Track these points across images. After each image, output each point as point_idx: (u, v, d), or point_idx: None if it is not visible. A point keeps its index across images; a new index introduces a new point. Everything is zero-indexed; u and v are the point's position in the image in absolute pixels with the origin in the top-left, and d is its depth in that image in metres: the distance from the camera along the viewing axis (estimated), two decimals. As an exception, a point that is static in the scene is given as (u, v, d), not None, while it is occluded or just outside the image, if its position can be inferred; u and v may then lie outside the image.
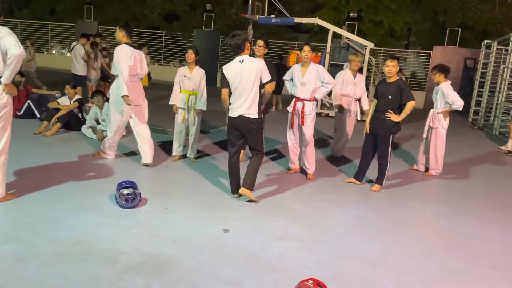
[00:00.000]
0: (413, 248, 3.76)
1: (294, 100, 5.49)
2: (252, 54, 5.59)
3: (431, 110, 6.20)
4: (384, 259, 3.48)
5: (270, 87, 4.56)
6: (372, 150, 5.27)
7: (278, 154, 6.70)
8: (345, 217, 4.38)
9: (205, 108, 5.89)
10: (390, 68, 4.94)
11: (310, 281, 2.56)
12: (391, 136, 5.13)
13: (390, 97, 5.00)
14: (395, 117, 5.01)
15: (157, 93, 13.53)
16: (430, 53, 16.82)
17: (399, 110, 5.06)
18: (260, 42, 5.48)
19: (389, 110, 4.99)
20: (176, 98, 5.82)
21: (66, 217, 3.75)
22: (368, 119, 5.28)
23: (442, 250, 3.74)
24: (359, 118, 6.59)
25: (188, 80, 5.75)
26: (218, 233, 3.70)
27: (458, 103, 5.94)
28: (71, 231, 3.48)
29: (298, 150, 5.63)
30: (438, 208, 4.86)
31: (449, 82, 6.01)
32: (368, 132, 5.21)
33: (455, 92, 5.98)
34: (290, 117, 5.53)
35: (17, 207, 3.86)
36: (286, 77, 5.62)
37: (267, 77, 4.38)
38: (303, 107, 5.37)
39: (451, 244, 3.89)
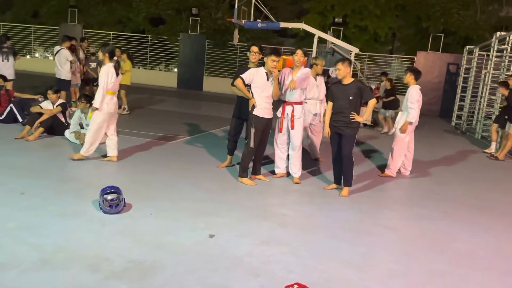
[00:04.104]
0: (398, 252, 3.79)
1: (282, 104, 5.48)
2: (247, 61, 5.60)
3: (399, 113, 6.31)
4: (369, 263, 3.50)
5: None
6: (340, 150, 5.28)
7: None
8: (331, 221, 4.39)
9: None
10: (339, 72, 5.03)
11: (296, 286, 2.56)
12: (356, 135, 5.22)
13: (351, 98, 5.05)
14: (360, 118, 5.10)
15: (145, 97, 13.45)
16: (414, 58, 17.08)
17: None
18: (255, 48, 5.47)
19: (352, 112, 5.04)
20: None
21: (49, 224, 3.68)
22: (327, 121, 5.23)
23: (426, 253, 3.78)
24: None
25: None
26: (203, 238, 3.67)
27: (413, 113, 5.95)
28: (53, 238, 3.42)
29: (284, 155, 5.64)
30: (421, 211, 4.91)
31: (418, 86, 6.05)
32: (330, 134, 5.22)
33: (418, 101, 5.96)
34: (278, 121, 5.53)
35: (-2, 214, 3.78)
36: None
37: None
38: (292, 111, 5.38)
39: (435, 247, 3.93)
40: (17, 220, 3.67)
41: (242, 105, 5.54)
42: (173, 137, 7.69)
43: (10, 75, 8.61)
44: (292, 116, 5.37)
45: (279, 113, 5.50)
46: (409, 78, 6.08)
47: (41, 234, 3.47)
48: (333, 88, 5.25)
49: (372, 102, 5.15)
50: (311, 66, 5.26)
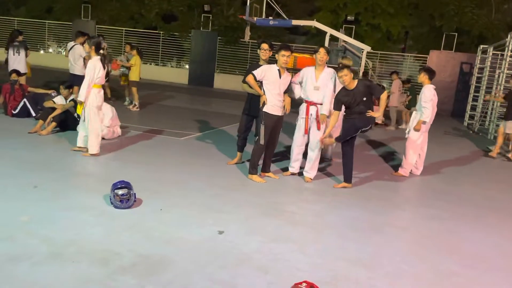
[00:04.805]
0: (407, 251, 3.77)
1: (306, 105, 5.37)
2: (258, 58, 5.58)
3: (413, 112, 6.25)
4: (378, 262, 3.48)
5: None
6: (352, 150, 5.32)
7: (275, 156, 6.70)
8: (340, 219, 4.38)
9: None
10: (343, 78, 4.99)
11: (304, 284, 2.56)
12: None
13: (364, 98, 5.06)
14: (376, 113, 5.12)
15: (155, 93, 13.53)
16: (426, 57, 16.90)
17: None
18: (265, 46, 5.45)
19: (368, 111, 5.07)
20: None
21: (60, 217, 3.73)
22: (328, 131, 5.23)
23: (435, 254, 3.75)
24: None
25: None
26: (212, 234, 3.69)
27: (427, 113, 5.92)
28: (64, 231, 3.46)
29: (301, 155, 5.58)
30: (432, 211, 4.87)
31: (432, 86, 6.00)
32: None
33: (433, 100, 5.93)
34: (302, 123, 5.40)
35: (11, 207, 3.84)
36: (295, 80, 5.46)
37: None
38: (317, 112, 5.28)
39: (444, 248, 3.90)
40: (29, 213, 3.73)
41: (252, 102, 5.54)
42: (184, 133, 7.73)
43: (21, 69, 8.72)
44: (317, 116, 5.28)
45: (302, 114, 5.39)
46: (423, 77, 6.04)
47: (52, 227, 3.52)
48: (341, 98, 5.13)
49: (384, 96, 5.16)
50: (345, 65, 5.13)
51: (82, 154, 5.67)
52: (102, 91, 5.73)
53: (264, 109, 5.19)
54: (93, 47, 5.60)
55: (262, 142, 5.24)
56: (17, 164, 5.04)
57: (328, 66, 5.41)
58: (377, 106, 5.64)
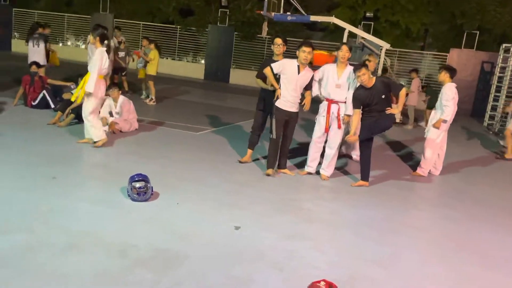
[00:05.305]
0: (425, 252, 3.70)
1: (327, 103, 5.26)
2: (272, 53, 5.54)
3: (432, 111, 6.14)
4: (395, 262, 3.43)
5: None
6: (370, 148, 5.29)
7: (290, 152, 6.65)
8: (357, 218, 4.33)
9: None
10: (361, 78, 4.91)
11: (322, 283, 2.53)
12: None
13: (383, 96, 4.99)
14: (394, 110, 5.07)
15: (171, 88, 13.58)
16: (446, 56, 16.58)
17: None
18: (278, 40, 5.41)
19: (387, 108, 5.03)
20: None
21: (78, 209, 3.77)
22: (353, 130, 5.13)
23: (454, 255, 3.67)
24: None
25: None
26: (228, 230, 3.68)
27: (448, 111, 5.81)
28: (82, 223, 3.49)
29: (319, 154, 5.47)
30: (450, 212, 4.77)
31: (454, 84, 5.88)
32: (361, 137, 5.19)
33: (454, 99, 5.82)
34: (323, 121, 5.28)
35: (30, 198, 3.88)
36: (316, 77, 5.34)
37: None
38: (338, 110, 5.19)
39: (464, 249, 3.82)
40: (48, 204, 3.77)
41: (266, 98, 5.50)
42: (200, 128, 7.73)
43: (40, 61, 8.82)
44: (338, 115, 5.19)
45: (323, 112, 5.28)
46: (444, 76, 5.92)
47: (70, 218, 3.55)
48: (360, 97, 5.03)
49: (403, 92, 5.09)
50: (363, 64, 5.04)
51: (94, 146, 5.70)
52: (105, 83, 5.76)
53: (276, 103, 5.18)
54: (98, 38, 5.63)
55: (274, 136, 5.25)
56: (36, 155, 5.10)
57: (350, 64, 5.31)
58: (395, 104, 5.54)
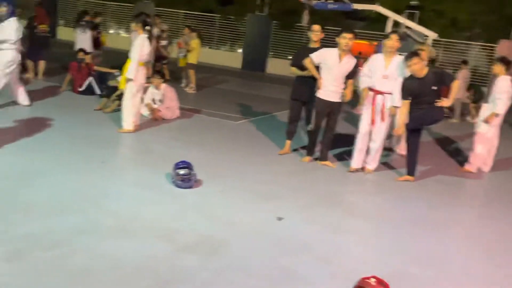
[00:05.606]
0: (473, 251, 3.56)
1: (372, 94, 5.04)
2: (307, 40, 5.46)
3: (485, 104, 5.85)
4: (443, 261, 3.30)
5: None
6: (418, 141, 5.10)
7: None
8: (402, 214, 4.20)
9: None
10: (412, 67, 4.71)
11: (373, 279, 2.46)
12: None
13: (434, 88, 4.79)
14: (446, 102, 4.85)
15: (210, 76, 13.66)
16: (494, 47, 15.78)
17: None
18: (317, 27, 5.32)
19: (436, 100, 4.82)
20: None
21: (126, 193, 3.86)
22: (402, 119, 4.87)
23: (503, 256, 3.50)
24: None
25: None
26: (271, 220, 3.66)
27: (501, 105, 5.51)
28: (130, 207, 3.57)
29: (365, 148, 5.20)
30: (499, 211, 4.54)
31: (509, 77, 5.58)
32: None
33: (508, 92, 5.51)
34: (369, 113, 5.07)
35: (81, 181, 4.00)
36: (365, 70, 5.13)
37: None
38: (384, 102, 4.98)
39: (518, 251, 3.64)
40: (98, 188, 3.88)
41: (302, 87, 5.41)
42: (239, 117, 7.74)
43: (87, 48, 9.07)
44: (383, 107, 4.99)
45: (368, 104, 5.07)
46: (498, 68, 5.64)
47: (118, 202, 3.63)
48: (410, 86, 4.81)
49: (456, 84, 4.85)
50: (416, 53, 4.83)
51: (117, 130, 5.77)
52: (145, 70, 5.81)
53: (317, 94, 5.11)
54: (140, 25, 5.68)
55: (313, 127, 5.20)
56: (85, 139, 5.25)
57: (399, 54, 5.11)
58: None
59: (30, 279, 2.48)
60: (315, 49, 5.24)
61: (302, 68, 5.28)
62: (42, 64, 8.86)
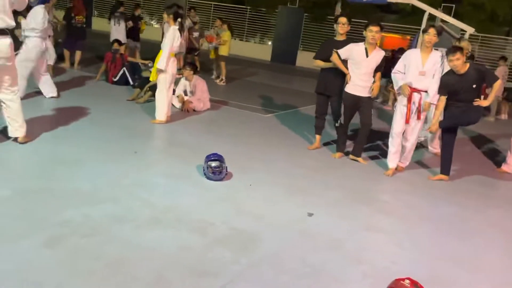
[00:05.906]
0: (509, 255, 3.43)
1: (409, 91, 4.85)
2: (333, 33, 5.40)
3: None
4: (478, 265, 3.22)
5: None
6: (454, 140, 4.96)
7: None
8: (436, 214, 4.11)
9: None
10: (454, 63, 4.54)
11: (407, 281, 2.42)
12: None
13: (474, 86, 4.62)
14: (484, 102, 4.70)
15: (240, 68, 13.68)
16: (536, 43, 15.12)
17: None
18: (343, 19, 5.22)
19: (475, 99, 4.66)
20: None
21: (159, 183, 3.92)
22: (436, 119, 4.74)
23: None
24: None
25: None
26: (301, 216, 3.65)
27: None
28: (163, 197, 3.63)
29: (400, 147, 5.04)
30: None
31: None
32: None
33: None
34: (404, 111, 4.90)
35: (115, 170, 4.10)
36: (399, 68, 4.95)
37: None
38: (420, 99, 4.83)
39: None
40: (130, 177, 3.96)
41: (327, 81, 5.34)
42: (268, 111, 7.73)
43: (122, 38, 9.23)
44: (419, 105, 4.84)
45: (404, 101, 4.90)
46: None
47: (152, 192, 3.70)
48: (449, 82, 4.66)
49: (498, 84, 4.65)
50: (459, 47, 4.67)
51: (150, 121, 5.86)
52: (176, 61, 5.86)
53: (345, 88, 5.09)
54: (171, 16, 5.72)
55: (342, 122, 5.20)
56: (118, 129, 5.37)
57: (435, 49, 4.97)
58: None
59: (68, 265, 2.56)
60: (341, 42, 5.17)
61: (327, 60, 5.23)
62: (78, 55, 9.09)
